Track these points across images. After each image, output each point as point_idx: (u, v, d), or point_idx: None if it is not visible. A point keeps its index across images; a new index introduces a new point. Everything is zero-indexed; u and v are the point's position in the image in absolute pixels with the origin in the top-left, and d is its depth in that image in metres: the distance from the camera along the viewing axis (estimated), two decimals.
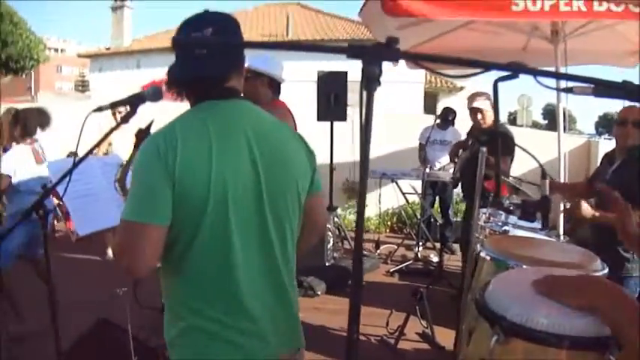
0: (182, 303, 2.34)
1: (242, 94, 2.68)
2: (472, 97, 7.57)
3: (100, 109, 2.78)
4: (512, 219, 5.04)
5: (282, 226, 2.41)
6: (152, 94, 2.63)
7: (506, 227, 4.96)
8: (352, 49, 1.53)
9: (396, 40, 1.51)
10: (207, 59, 2.32)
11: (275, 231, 2.38)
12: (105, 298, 6.41)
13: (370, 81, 1.49)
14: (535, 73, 1.58)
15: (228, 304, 2.30)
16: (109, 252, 10.05)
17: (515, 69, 1.60)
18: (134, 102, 2.61)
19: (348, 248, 10.25)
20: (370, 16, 6.55)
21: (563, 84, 1.70)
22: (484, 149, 4.06)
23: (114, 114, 7.94)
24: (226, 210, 2.23)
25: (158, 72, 19.97)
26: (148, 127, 3.09)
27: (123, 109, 8.03)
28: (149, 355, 4.62)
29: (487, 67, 1.59)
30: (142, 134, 3.07)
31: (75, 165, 2.75)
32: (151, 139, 2.28)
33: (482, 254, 3.90)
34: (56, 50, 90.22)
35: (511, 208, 4.44)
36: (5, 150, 6.87)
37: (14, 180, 6.25)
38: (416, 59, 1.65)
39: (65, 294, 6.66)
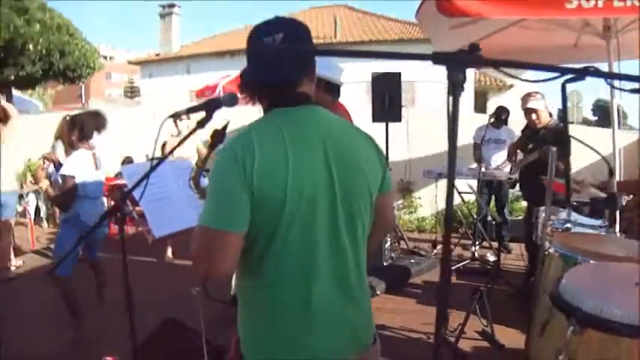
0: (256, 303, 2.43)
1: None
2: (526, 98, 7.60)
3: (176, 114, 2.85)
4: (574, 216, 5.08)
5: (355, 227, 2.45)
6: (228, 99, 2.70)
7: (568, 225, 4.99)
8: (437, 57, 1.60)
9: (478, 46, 1.58)
10: (280, 64, 2.40)
11: (347, 232, 2.43)
12: (167, 297, 6.52)
13: (455, 86, 1.56)
14: (608, 76, 1.65)
15: (301, 306, 2.36)
16: (169, 253, 10.22)
17: (589, 73, 1.67)
18: (210, 107, 2.68)
19: (405, 248, 10.39)
20: (425, 17, 6.59)
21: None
22: (554, 149, 4.11)
23: (175, 121, 8.09)
24: (302, 214, 2.28)
25: (209, 76, 20.15)
26: (224, 128, 3.16)
27: (184, 116, 8.19)
28: (216, 353, 4.71)
29: (564, 71, 1.66)
30: (217, 135, 3.15)
31: (152, 168, 2.84)
32: (228, 146, 2.32)
33: (551, 250, 3.98)
34: (105, 58, 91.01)
35: (578, 206, 4.48)
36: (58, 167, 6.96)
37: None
38: (496, 66, 1.72)
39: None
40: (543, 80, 1.77)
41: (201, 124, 2.66)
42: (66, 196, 6.32)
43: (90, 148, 6.63)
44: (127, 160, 13.45)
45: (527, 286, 7.47)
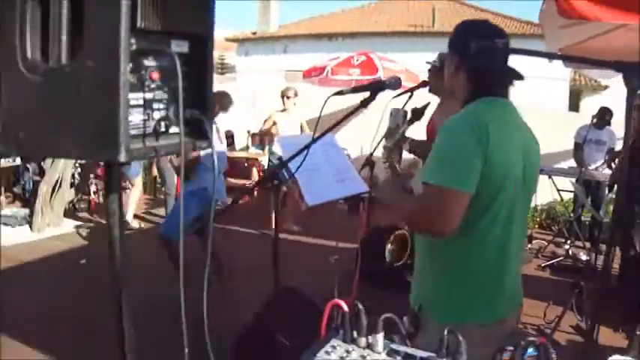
0: (460, 266, 2.73)
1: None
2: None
3: (340, 92, 3.09)
4: None
5: (527, 211, 2.87)
6: (393, 83, 2.97)
7: None
8: (615, 64, 1.80)
9: None
10: (506, 62, 2.70)
11: (524, 215, 2.85)
12: (286, 266, 6.77)
13: (631, 91, 1.75)
14: None
15: (498, 272, 2.72)
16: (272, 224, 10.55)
17: None
18: (374, 89, 2.92)
19: None
20: (544, 16, 6.69)
21: None
22: None
23: (282, 97, 8.43)
24: (509, 193, 2.61)
25: (306, 58, 20.37)
26: (424, 107, 3.44)
27: (292, 94, 8.51)
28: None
29: None
30: (417, 112, 3.42)
31: (314, 140, 3.07)
32: (463, 118, 2.63)
33: None
34: None
35: None
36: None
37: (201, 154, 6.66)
38: None
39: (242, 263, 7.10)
40: None
41: (364, 103, 2.92)
42: (188, 165, 6.62)
43: (215, 124, 6.93)
44: (229, 134, 13.85)
45: (620, 287, 7.56)
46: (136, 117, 1.48)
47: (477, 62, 2.66)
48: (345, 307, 1.75)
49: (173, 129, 1.61)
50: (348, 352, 1.67)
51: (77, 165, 11.71)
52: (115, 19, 1.36)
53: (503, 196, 2.58)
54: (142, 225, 11.26)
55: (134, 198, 11.32)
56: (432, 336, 2.27)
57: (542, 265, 9.12)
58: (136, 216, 11.67)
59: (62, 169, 10.69)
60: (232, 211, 11.17)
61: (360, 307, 1.73)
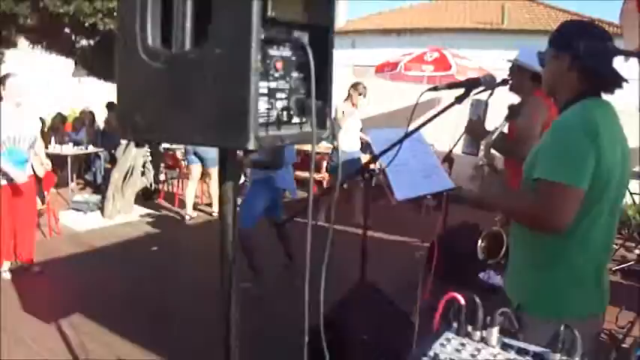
0: (556, 260, 2.75)
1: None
2: None
3: (435, 88, 3.11)
4: None
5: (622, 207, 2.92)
6: (488, 81, 2.98)
7: None
8: None
9: None
10: (611, 61, 2.76)
11: (620, 212, 2.89)
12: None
13: None
14: None
15: (598, 268, 2.80)
16: (322, 218, 10.58)
17: None
18: (469, 85, 2.94)
19: None
20: (624, 15, 6.63)
21: None
22: None
23: (352, 90, 8.47)
24: (613, 197, 2.68)
25: (374, 53, 20.37)
26: (520, 104, 3.51)
27: (362, 89, 8.53)
28: (402, 317, 4.93)
29: None
30: (514, 107, 3.48)
31: (406, 135, 3.08)
32: (576, 117, 2.67)
33: None
34: None
35: None
36: None
37: None
38: None
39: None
40: None
41: (459, 99, 2.93)
42: (275, 159, 6.55)
43: None
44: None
45: None
46: (261, 105, 1.50)
47: (590, 63, 2.68)
48: (462, 301, 1.76)
49: (295, 119, 1.63)
50: (462, 344, 1.68)
51: (148, 154, 11.92)
52: (247, 8, 1.38)
53: (606, 198, 2.63)
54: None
55: (215, 189, 11.28)
56: (531, 332, 2.27)
57: (613, 268, 8.90)
58: (210, 204, 11.98)
59: (134, 157, 10.94)
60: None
61: (477, 301, 1.74)
